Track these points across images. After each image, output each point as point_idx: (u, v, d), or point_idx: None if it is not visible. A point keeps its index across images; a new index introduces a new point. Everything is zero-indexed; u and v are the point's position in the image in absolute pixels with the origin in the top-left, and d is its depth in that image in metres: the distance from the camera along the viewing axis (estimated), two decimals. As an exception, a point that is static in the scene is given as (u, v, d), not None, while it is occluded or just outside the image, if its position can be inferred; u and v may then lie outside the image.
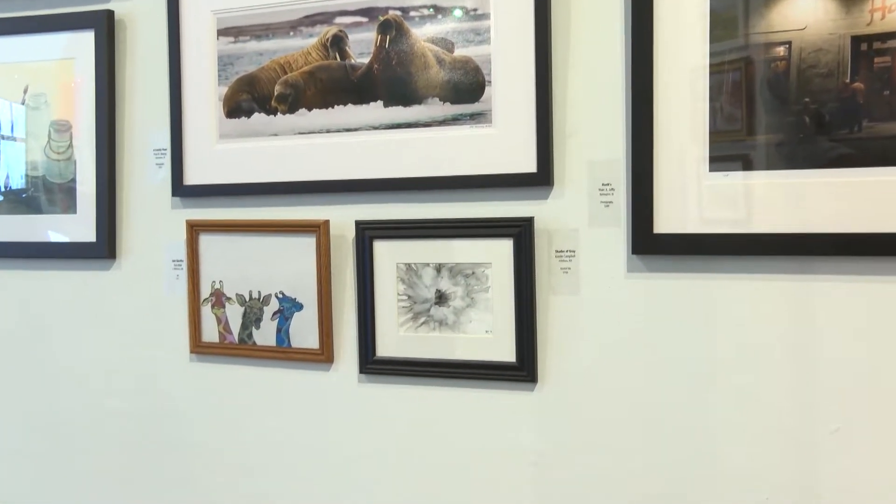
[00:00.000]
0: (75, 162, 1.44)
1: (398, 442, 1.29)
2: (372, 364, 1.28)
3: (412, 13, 1.21)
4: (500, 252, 1.19)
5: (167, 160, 1.40)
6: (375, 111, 1.25)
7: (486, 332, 1.21)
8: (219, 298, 1.37)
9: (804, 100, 1.04)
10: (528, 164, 1.17)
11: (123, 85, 1.43)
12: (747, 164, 1.07)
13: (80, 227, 1.44)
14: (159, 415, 1.44)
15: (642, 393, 1.15)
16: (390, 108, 1.24)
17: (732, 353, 1.11)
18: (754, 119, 1.06)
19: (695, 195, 1.09)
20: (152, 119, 1.42)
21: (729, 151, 1.07)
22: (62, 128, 1.43)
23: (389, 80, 1.24)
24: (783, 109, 1.05)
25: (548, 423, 1.20)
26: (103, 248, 1.44)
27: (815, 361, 1.08)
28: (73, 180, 1.44)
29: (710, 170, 1.08)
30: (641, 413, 1.15)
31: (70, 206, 1.45)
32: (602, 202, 1.15)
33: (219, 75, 1.35)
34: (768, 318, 1.09)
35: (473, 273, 1.21)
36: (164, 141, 1.41)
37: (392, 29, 1.22)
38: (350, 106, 1.26)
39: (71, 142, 1.44)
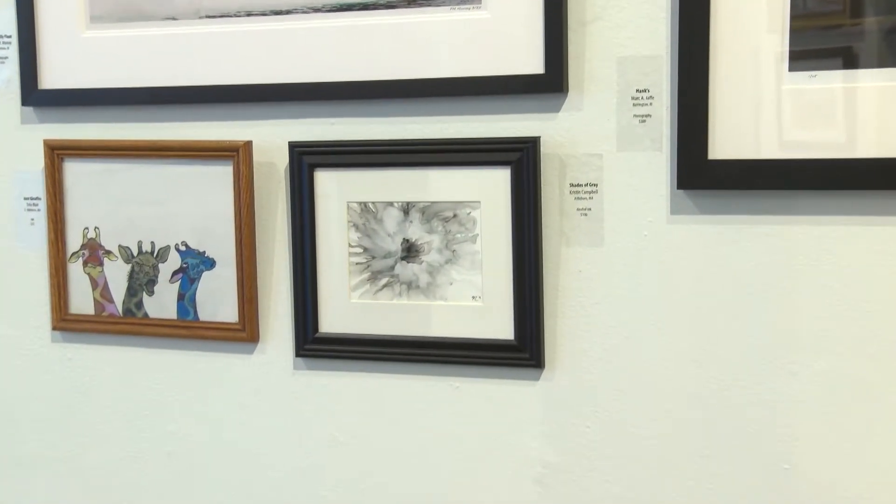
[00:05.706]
0: None
1: (349, 451, 1.20)
2: (313, 344, 1.19)
3: None
4: (492, 186, 1.10)
5: (13, 53, 1.28)
6: (316, -15, 1.15)
7: (474, 298, 1.12)
8: (94, 252, 1.27)
9: (935, -36, 0.93)
10: (533, 63, 1.06)
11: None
12: (848, 61, 0.97)
13: None
14: (7, 418, 1.34)
15: (689, 383, 1.07)
16: (337, -20, 1.14)
17: (819, 327, 1.02)
18: (860, -5, 0.95)
19: (770, 105, 0.99)
20: (-14, -10, 1.29)
21: (820, 43, 0.98)
22: None
23: (336, -61, 1.14)
24: (904, -21, 0.94)
25: (558, 425, 1.12)
26: (-81, 181, 1.32)
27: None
28: None
29: (792, 69, 0.98)
30: (688, 410, 1.08)
31: None
32: (636, 116, 1.06)
33: (88, -73, 1.23)
34: (872, 278, 1.00)
35: (455, 216, 1.12)
36: (9, 25, 1.27)
37: None
38: (280, -23, 1.16)
39: None
